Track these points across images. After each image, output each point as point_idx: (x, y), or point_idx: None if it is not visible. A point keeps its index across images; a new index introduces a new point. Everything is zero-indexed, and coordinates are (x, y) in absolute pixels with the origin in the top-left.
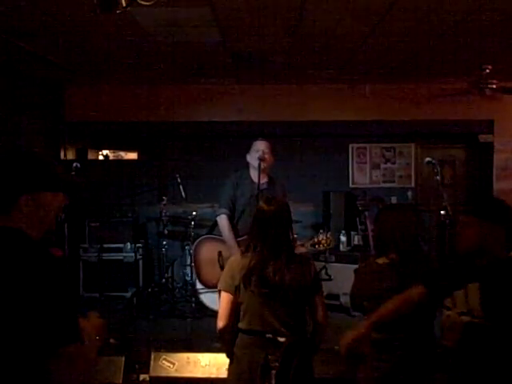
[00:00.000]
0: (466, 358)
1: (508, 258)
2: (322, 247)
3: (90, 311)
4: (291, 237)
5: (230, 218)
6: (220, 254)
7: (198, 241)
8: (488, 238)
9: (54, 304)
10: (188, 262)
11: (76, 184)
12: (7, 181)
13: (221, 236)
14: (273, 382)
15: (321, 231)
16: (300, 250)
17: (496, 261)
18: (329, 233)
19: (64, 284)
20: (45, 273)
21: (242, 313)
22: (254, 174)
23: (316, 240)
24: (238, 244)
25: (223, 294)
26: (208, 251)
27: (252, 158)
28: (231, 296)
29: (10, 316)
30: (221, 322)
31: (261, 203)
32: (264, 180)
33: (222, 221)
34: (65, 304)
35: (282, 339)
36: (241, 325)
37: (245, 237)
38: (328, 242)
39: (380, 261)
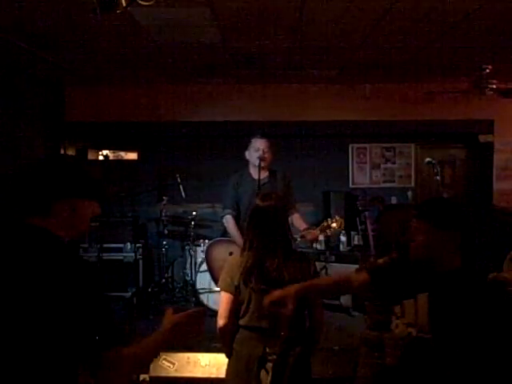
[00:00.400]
0: (407, 378)
1: (461, 268)
2: (333, 230)
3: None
4: (289, 232)
5: (236, 218)
6: (231, 254)
7: (207, 245)
8: (439, 245)
9: (92, 308)
10: (188, 262)
11: (107, 193)
12: (46, 185)
13: (231, 237)
14: (269, 373)
15: (334, 216)
16: (313, 235)
17: (447, 270)
18: (337, 216)
19: (99, 287)
20: (81, 277)
21: (242, 310)
22: (253, 171)
23: (325, 224)
24: None
25: (223, 293)
26: (219, 253)
27: (252, 157)
28: (231, 295)
29: (47, 321)
30: (221, 321)
31: (256, 200)
32: (264, 175)
33: (228, 221)
34: (101, 308)
35: (280, 333)
36: (241, 322)
37: None
38: (339, 224)
39: (381, 261)
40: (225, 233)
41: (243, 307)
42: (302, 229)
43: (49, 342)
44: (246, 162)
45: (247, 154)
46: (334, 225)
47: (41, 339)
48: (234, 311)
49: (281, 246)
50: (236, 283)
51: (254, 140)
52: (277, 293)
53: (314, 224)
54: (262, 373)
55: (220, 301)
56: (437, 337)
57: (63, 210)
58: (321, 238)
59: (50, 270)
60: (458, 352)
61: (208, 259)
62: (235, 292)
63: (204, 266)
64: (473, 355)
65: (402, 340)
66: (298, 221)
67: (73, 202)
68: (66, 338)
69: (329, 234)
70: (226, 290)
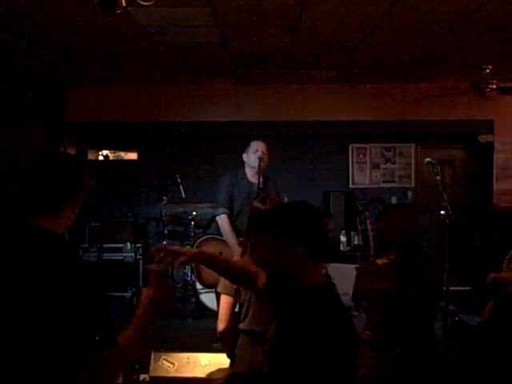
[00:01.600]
0: None
1: (316, 287)
2: None
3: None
4: None
5: (230, 218)
6: (221, 254)
7: (199, 241)
8: (284, 256)
9: (89, 310)
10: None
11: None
12: (60, 185)
13: (221, 236)
14: None
15: None
16: None
17: (299, 289)
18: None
19: (97, 289)
20: (80, 279)
21: (242, 314)
22: (250, 174)
23: None
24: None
25: (223, 296)
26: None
27: (250, 158)
28: (231, 298)
29: (44, 321)
30: (221, 325)
31: (256, 203)
32: (260, 180)
33: (223, 220)
34: (99, 309)
35: None
36: (242, 326)
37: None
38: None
39: (380, 261)
40: (207, 228)
41: (243, 310)
42: None
43: (49, 341)
44: (242, 164)
45: (245, 156)
46: None
47: (41, 339)
48: (235, 314)
49: None
50: (236, 286)
51: (252, 142)
52: (177, 248)
53: None
54: None
55: (220, 304)
56: (272, 373)
57: (68, 208)
58: None
59: (56, 273)
60: None
61: None
62: (235, 295)
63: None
64: None
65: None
66: None
67: (75, 199)
68: (65, 338)
69: None
70: (225, 293)
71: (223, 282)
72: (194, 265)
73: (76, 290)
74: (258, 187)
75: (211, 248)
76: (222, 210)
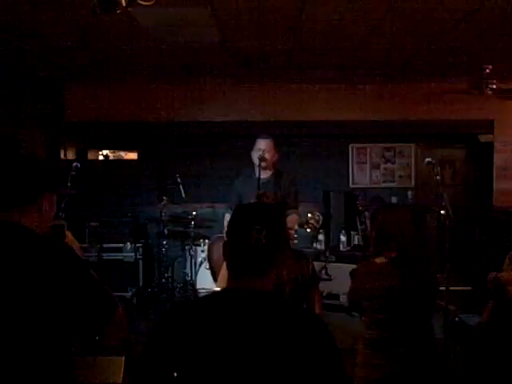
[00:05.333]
0: None
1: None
2: (311, 226)
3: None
4: (286, 231)
5: None
6: None
7: (210, 241)
8: None
9: (84, 287)
10: (188, 261)
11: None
12: (32, 180)
13: None
14: None
15: (312, 211)
16: (290, 232)
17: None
18: (316, 213)
19: (85, 268)
20: (63, 264)
21: None
22: (258, 171)
23: (304, 219)
24: None
25: None
26: (221, 250)
27: (253, 157)
28: None
29: (36, 312)
30: None
31: (252, 199)
32: (267, 175)
33: (226, 220)
34: (92, 283)
35: None
36: None
37: None
38: (317, 219)
39: (378, 260)
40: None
41: None
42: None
43: (41, 331)
44: (252, 161)
45: (252, 155)
46: (311, 221)
47: (32, 330)
48: None
49: None
50: None
51: (257, 140)
52: None
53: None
54: None
55: None
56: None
57: (45, 204)
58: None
59: (31, 262)
60: None
61: (210, 256)
62: None
63: (205, 265)
64: None
65: None
66: (291, 220)
67: (53, 196)
68: (60, 323)
69: (306, 228)
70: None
71: (222, 279)
72: (208, 266)
73: (56, 273)
74: (258, 184)
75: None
76: (229, 210)
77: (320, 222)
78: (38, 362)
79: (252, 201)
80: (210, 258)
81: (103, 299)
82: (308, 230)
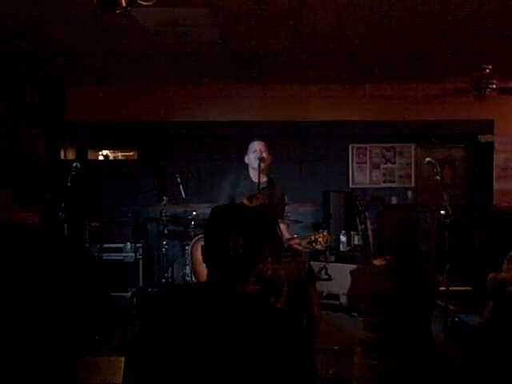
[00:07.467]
0: None
1: None
2: (319, 245)
3: None
4: (279, 232)
5: None
6: None
7: (194, 240)
8: None
9: (96, 297)
10: (188, 261)
11: None
12: (40, 181)
13: None
14: None
15: (320, 230)
16: (297, 248)
17: None
18: (326, 231)
19: (102, 279)
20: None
21: None
22: (253, 174)
23: (313, 238)
24: None
25: None
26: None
27: (250, 159)
28: None
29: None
30: None
31: (244, 201)
32: (263, 180)
33: None
34: (104, 296)
35: None
36: None
37: None
38: (325, 239)
39: (377, 262)
40: None
41: None
42: (285, 238)
43: (45, 331)
44: (246, 167)
45: (246, 159)
46: (320, 239)
47: (34, 330)
48: None
49: (272, 245)
50: None
51: (251, 143)
52: None
53: (316, 228)
54: None
55: None
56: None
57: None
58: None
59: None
60: None
61: (192, 254)
62: None
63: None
64: None
65: None
66: (283, 230)
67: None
68: (62, 326)
69: (315, 246)
70: None
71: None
72: (190, 264)
73: (63, 276)
74: (258, 187)
75: None
76: None
77: (328, 242)
78: (44, 361)
79: (245, 202)
80: (193, 258)
81: (108, 316)
82: (317, 247)
